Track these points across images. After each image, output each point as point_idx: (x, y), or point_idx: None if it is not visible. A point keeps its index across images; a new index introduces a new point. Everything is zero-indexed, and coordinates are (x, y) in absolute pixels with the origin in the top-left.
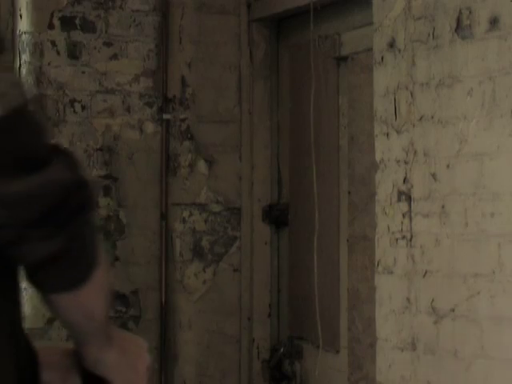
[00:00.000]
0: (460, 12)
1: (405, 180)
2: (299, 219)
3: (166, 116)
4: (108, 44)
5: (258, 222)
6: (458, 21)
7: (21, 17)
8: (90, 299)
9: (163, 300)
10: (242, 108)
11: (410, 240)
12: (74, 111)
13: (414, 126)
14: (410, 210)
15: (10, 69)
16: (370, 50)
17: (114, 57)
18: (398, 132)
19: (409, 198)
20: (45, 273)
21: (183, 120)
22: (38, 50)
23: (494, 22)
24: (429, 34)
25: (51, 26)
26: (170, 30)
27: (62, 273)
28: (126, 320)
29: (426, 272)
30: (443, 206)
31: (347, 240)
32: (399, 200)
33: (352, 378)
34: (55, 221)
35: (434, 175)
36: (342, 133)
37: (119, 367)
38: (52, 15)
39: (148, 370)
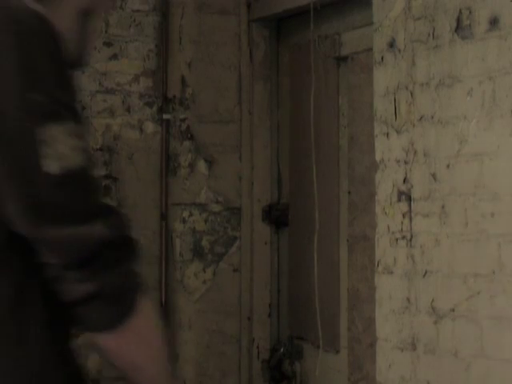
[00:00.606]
0: (460, 12)
1: (405, 180)
2: (299, 219)
3: (166, 116)
4: (108, 44)
5: (257, 222)
6: (458, 21)
7: None
8: (128, 346)
9: (163, 300)
10: (242, 108)
11: (410, 240)
12: None
13: (413, 126)
14: (410, 210)
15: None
16: (370, 50)
17: (114, 57)
18: (397, 132)
19: (409, 198)
20: (82, 312)
21: (183, 120)
22: None
23: (494, 22)
24: (429, 34)
25: None
26: (170, 30)
27: (96, 313)
28: None
29: (425, 272)
30: (443, 206)
31: (347, 240)
32: (399, 200)
33: (352, 378)
34: (91, 268)
35: (433, 175)
36: (341, 133)
37: None
38: None
39: None
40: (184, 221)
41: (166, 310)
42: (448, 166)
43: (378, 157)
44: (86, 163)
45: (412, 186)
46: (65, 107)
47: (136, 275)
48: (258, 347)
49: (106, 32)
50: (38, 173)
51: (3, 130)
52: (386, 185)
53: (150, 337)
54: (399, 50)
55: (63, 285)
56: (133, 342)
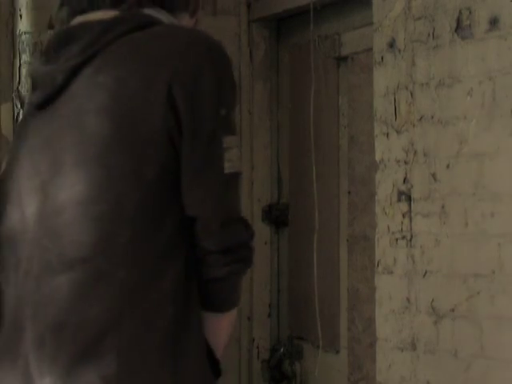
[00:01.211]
0: (460, 12)
1: (405, 180)
2: (299, 219)
3: None
4: None
5: (257, 222)
6: (458, 21)
7: (21, 17)
8: (222, 326)
9: None
10: (242, 108)
11: (410, 240)
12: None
13: (413, 126)
14: (410, 210)
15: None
16: (369, 50)
17: None
18: (397, 132)
19: (409, 198)
20: (208, 294)
21: None
22: (38, 50)
23: (493, 22)
24: (429, 34)
25: (51, 26)
26: None
27: (216, 299)
28: None
29: (425, 272)
30: (443, 206)
31: (347, 240)
32: (399, 200)
33: (352, 378)
34: (234, 256)
35: (433, 175)
36: (341, 133)
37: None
38: (52, 15)
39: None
40: None
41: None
42: (448, 166)
43: (378, 157)
44: (241, 170)
45: (412, 186)
46: (234, 122)
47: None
48: (257, 347)
49: None
50: (222, 172)
51: (202, 132)
52: (385, 185)
53: (233, 323)
54: (399, 50)
55: (208, 266)
56: (228, 323)
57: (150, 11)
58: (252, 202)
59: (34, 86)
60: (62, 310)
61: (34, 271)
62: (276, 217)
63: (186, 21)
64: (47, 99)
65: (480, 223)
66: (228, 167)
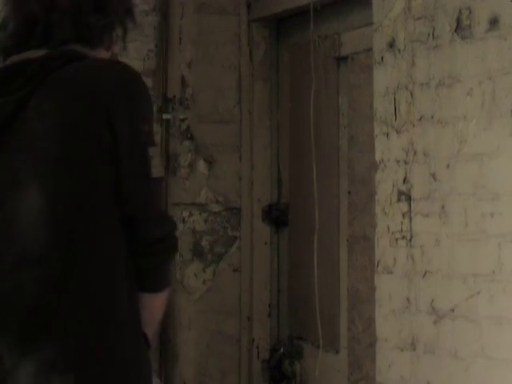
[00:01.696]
0: (460, 12)
1: (405, 180)
2: (299, 219)
3: (165, 116)
4: None
5: (257, 222)
6: (458, 21)
7: None
8: (157, 307)
9: None
10: (242, 108)
11: (410, 240)
12: None
13: (413, 126)
14: (409, 210)
15: None
16: (369, 50)
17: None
18: (397, 132)
19: (409, 198)
20: (145, 278)
21: (183, 120)
22: None
23: (493, 22)
24: (429, 34)
25: None
26: (170, 30)
27: (152, 281)
28: None
29: (425, 272)
30: (443, 206)
31: (347, 240)
32: (399, 200)
33: (352, 377)
34: (158, 248)
35: (433, 175)
36: (341, 133)
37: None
38: None
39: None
40: (184, 221)
41: (166, 310)
42: (448, 166)
43: (377, 157)
44: (163, 174)
45: (412, 186)
46: (153, 134)
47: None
48: (257, 347)
49: None
50: (150, 176)
51: (136, 146)
52: (385, 185)
53: (166, 301)
54: (399, 50)
55: (144, 255)
56: (161, 302)
57: (74, 47)
58: (252, 201)
59: None
60: (22, 301)
61: None
62: (276, 217)
63: (103, 54)
64: None
65: (480, 223)
66: (154, 172)
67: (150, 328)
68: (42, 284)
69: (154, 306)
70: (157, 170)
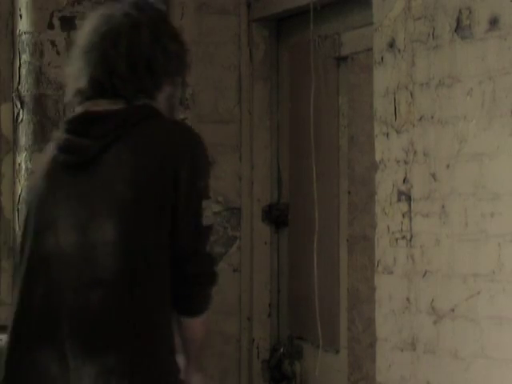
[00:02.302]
0: (460, 12)
1: (405, 180)
2: (299, 219)
3: None
4: None
5: (257, 222)
6: (458, 21)
7: (21, 17)
8: (196, 328)
9: None
10: (242, 108)
11: (410, 240)
12: (74, 111)
13: (413, 126)
14: (409, 210)
15: None
16: (369, 50)
17: None
18: (397, 132)
19: (409, 198)
20: (184, 304)
21: (183, 120)
22: (37, 50)
23: (493, 22)
24: (429, 34)
25: (51, 26)
26: None
27: (192, 305)
28: None
29: (425, 272)
30: (443, 206)
31: (347, 240)
32: (399, 200)
33: (352, 377)
34: (198, 279)
35: (433, 175)
36: (341, 133)
37: None
38: (52, 15)
39: None
40: None
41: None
42: (448, 166)
43: (377, 157)
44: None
45: (412, 186)
46: (208, 189)
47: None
48: (257, 347)
49: None
50: (200, 224)
51: (194, 199)
52: (385, 185)
53: (205, 326)
54: (399, 50)
55: (188, 285)
56: (200, 326)
57: (143, 100)
58: (252, 201)
59: (60, 149)
60: (91, 314)
61: (72, 285)
62: (276, 217)
63: (162, 102)
64: (80, 163)
65: (480, 223)
66: (205, 221)
67: (192, 346)
68: (106, 302)
69: (193, 327)
70: (208, 219)
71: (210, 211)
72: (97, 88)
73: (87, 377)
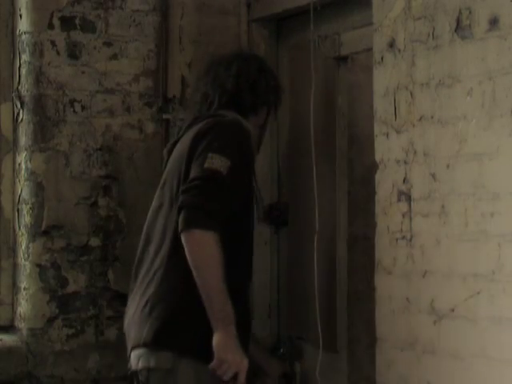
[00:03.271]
0: (460, 12)
1: (405, 180)
2: (299, 219)
3: (165, 116)
4: (108, 44)
5: (257, 222)
6: (458, 21)
7: (21, 17)
8: (190, 247)
9: None
10: None
11: (410, 240)
12: (74, 111)
13: (413, 126)
14: (409, 210)
15: None
16: (369, 50)
17: (114, 57)
18: (397, 132)
19: (409, 198)
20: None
21: (183, 120)
22: (37, 50)
23: (493, 22)
24: (429, 34)
25: (51, 26)
26: (170, 30)
27: (181, 220)
28: None
29: (425, 272)
30: (443, 206)
31: (347, 240)
32: (399, 200)
33: (352, 377)
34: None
35: (433, 175)
36: (341, 133)
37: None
38: (52, 15)
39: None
40: None
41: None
42: (448, 166)
43: (377, 157)
44: (225, 173)
45: (412, 186)
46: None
47: (209, 215)
48: None
49: (105, 32)
50: (204, 168)
51: (198, 155)
52: (385, 185)
53: (203, 251)
54: (399, 50)
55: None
56: (196, 244)
57: (223, 112)
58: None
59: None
60: (148, 274)
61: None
62: (276, 217)
63: (253, 123)
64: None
65: (480, 223)
66: (206, 163)
67: (199, 280)
68: (157, 261)
69: (187, 246)
70: (210, 164)
71: (219, 162)
72: (201, 101)
73: (136, 301)
